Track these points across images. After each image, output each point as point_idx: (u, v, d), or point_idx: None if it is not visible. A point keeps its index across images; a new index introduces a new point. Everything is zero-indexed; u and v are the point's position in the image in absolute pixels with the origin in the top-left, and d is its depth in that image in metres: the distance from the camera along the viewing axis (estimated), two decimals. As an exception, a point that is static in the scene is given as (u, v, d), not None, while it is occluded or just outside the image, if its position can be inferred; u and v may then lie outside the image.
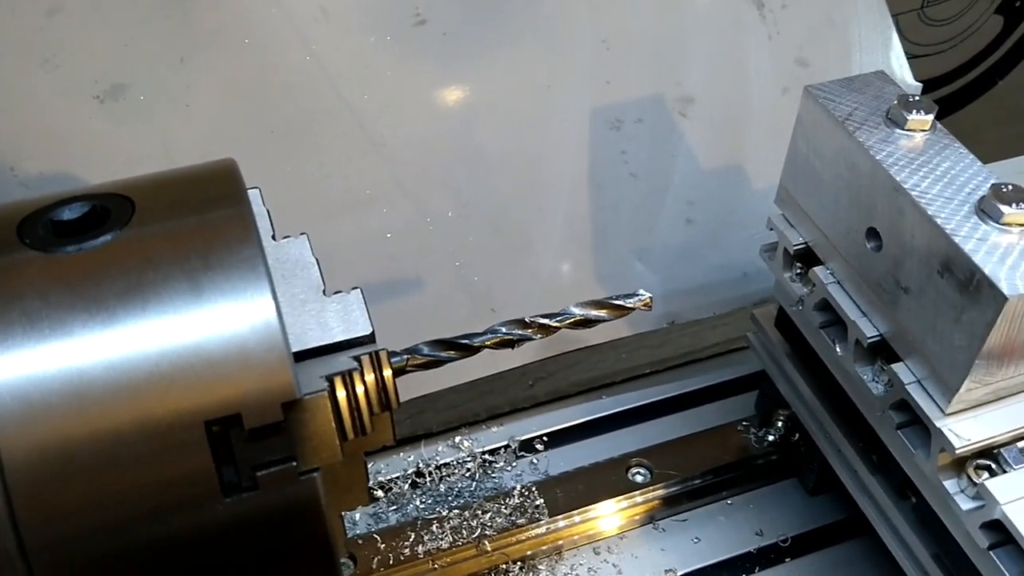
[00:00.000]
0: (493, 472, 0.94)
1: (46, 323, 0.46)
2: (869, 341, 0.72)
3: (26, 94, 0.85)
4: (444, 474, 0.94)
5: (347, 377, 0.52)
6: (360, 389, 0.52)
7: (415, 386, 0.86)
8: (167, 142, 0.88)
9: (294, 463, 0.47)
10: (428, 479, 0.93)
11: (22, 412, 0.44)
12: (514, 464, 0.95)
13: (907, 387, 0.69)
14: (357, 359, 0.55)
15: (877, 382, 0.73)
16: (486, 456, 0.95)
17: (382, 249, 0.92)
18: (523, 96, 0.96)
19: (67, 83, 0.86)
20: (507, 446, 0.96)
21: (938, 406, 0.67)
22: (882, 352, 0.73)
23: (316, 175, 0.90)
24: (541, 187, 0.96)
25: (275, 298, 0.48)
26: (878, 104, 0.73)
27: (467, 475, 0.94)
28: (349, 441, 0.51)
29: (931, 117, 0.70)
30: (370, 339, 0.58)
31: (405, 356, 0.61)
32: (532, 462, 0.95)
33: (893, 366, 0.70)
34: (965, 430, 0.66)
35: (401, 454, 0.96)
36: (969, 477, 0.67)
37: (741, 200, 0.98)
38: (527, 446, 0.97)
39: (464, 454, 0.96)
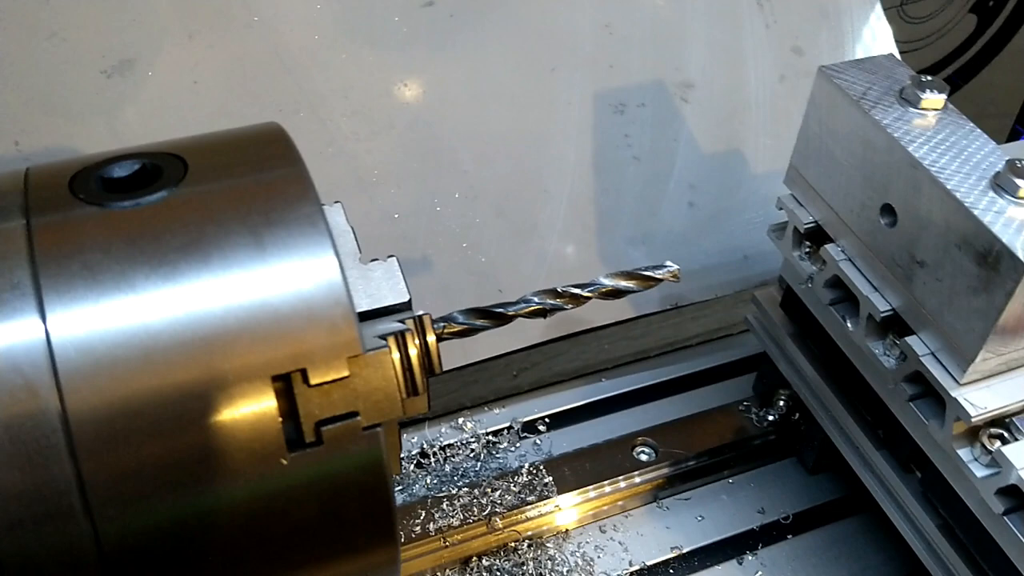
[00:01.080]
0: (497, 453, 0.94)
1: (108, 276, 0.45)
2: (882, 315, 0.74)
3: (33, 67, 0.84)
4: (449, 455, 0.94)
5: (400, 337, 0.52)
6: (413, 351, 0.52)
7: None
8: (173, 118, 0.87)
9: (358, 418, 0.47)
10: (433, 460, 0.93)
11: (88, 367, 0.44)
12: (517, 445, 0.95)
13: (921, 359, 0.70)
14: (403, 322, 0.55)
15: (889, 356, 0.75)
16: (490, 437, 0.95)
17: (390, 229, 0.92)
18: (528, 79, 0.96)
19: (74, 57, 0.85)
20: (510, 427, 0.97)
21: (952, 377, 0.69)
22: (894, 326, 0.75)
23: (324, 154, 0.89)
24: (546, 169, 0.96)
25: (337, 255, 0.48)
26: (891, 84, 0.75)
27: (472, 456, 0.94)
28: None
29: (944, 96, 0.72)
30: (407, 306, 0.58)
31: (442, 324, 0.61)
32: (535, 443, 0.96)
33: (907, 339, 0.72)
34: (980, 399, 0.68)
35: (405, 435, 0.96)
36: (983, 445, 0.69)
37: (741, 184, 1.00)
38: (530, 427, 0.97)
39: (467, 435, 0.96)
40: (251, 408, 0.46)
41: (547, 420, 0.98)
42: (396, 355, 0.52)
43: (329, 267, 0.48)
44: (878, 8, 1.07)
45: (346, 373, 0.47)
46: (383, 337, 0.51)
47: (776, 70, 1.02)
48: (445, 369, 0.96)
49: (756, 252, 0.96)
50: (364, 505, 0.49)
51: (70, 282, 0.45)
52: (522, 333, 0.96)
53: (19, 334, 0.44)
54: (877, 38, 1.06)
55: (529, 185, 0.96)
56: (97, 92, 0.85)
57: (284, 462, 0.46)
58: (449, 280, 0.92)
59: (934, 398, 0.72)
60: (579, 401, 1.00)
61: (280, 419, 0.46)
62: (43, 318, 0.44)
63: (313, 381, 0.46)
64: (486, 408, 0.99)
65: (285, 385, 0.47)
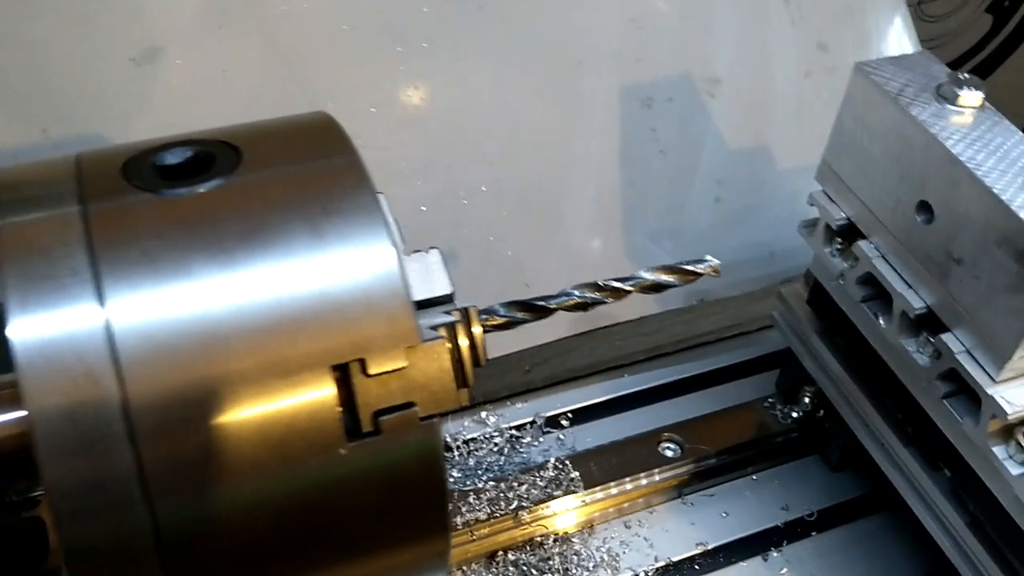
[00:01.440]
0: (521, 447, 0.94)
1: (167, 263, 0.45)
2: (916, 313, 0.74)
3: (62, 54, 0.83)
4: (472, 448, 0.94)
5: (451, 329, 0.51)
6: (464, 342, 0.52)
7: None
8: (202, 107, 0.86)
9: (415, 408, 0.47)
10: (457, 453, 0.93)
11: (149, 354, 0.43)
12: (541, 440, 0.95)
13: (957, 356, 0.70)
14: (450, 313, 0.54)
15: (922, 353, 0.75)
16: (513, 432, 0.95)
17: (416, 222, 0.91)
18: (555, 73, 0.96)
19: (104, 44, 0.84)
20: (533, 422, 0.96)
21: (988, 374, 0.69)
22: (928, 324, 0.74)
23: (352, 146, 0.89)
24: (572, 163, 0.96)
25: (395, 244, 0.47)
26: (927, 81, 0.75)
27: (495, 450, 0.94)
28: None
29: (981, 94, 0.72)
30: (450, 298, 0.58)
31: (484, 316, 0.61)
32: (559, 438, 0.96)
33: (942, 336, 0.72)
34: (1016, 397, 0.68)
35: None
36: (1018, 443, 0.69)
37: (767, 180, 1.00)
38: (553, 422, 0.97)
39: (490, 429, 0.95)
40: (311, 397, 0.45)
41: (570, 415, 0.97)
42: (449, 345, 0.51)
43: (387, 257, 0.47)
44: (903, 5, 1.07)
45: (405, 364, 0.46)
46: (435, 328, 0.51)
47: (802, 66, 1.02)
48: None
49: (781, 248, 0.96)
50: (419, 495, 0.48)
51: (129, 269, 0.44)
52: (548, 327, 0.96)
53: (80, 322, 0.43)
54: (901, 35, 1.06)
55: (555, 178, 0.96)
56: (126, 80, 0.84)
57: (343, 452, 0.46)
58: (475, 273, 0.92)
59: (968, 396, 0.72)
60: (602, 396, 0.99)
61: (340, 409, 0.46)
62: (103, 305, 0.44)
63: (372, 371, 0.46)
64: (508, 402, 0.98)
65: (343, 375, 0.46)
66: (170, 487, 0.44)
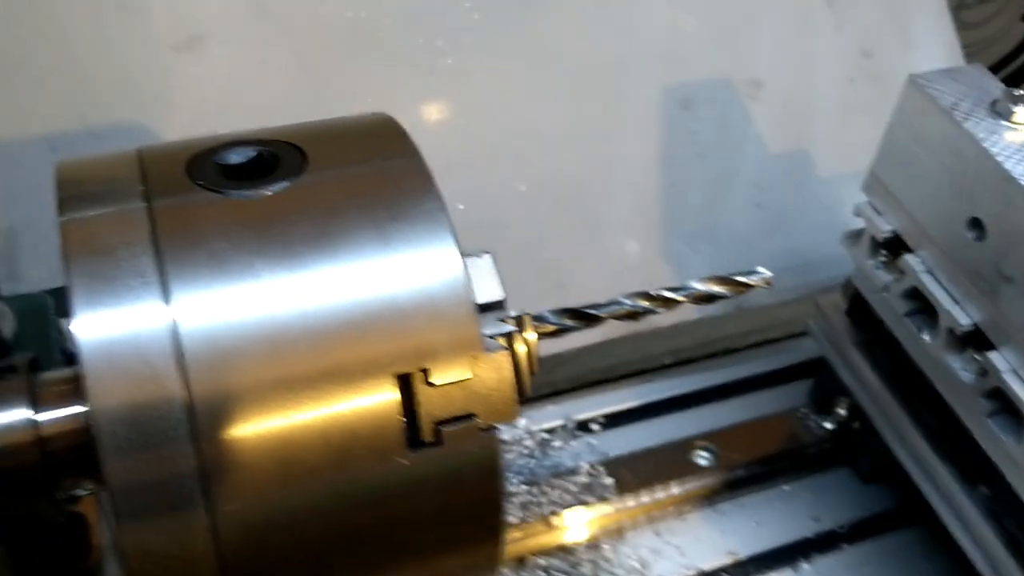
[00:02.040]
0: (551, 450, 0.94)
1: (234, 266, 0.44)
2: (963, 330, 0.73)
3: (101, 41, 0.83)
4: (503, 450, 0.93)
5: (510, 338, 0.51)
6: (522, 350, 0.52)
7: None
8: (241, 97, 0.86)
9: (476, 419, 0.46)
10: (487, 454, 0.92)
11: (214, 358, 0.43)
12: (572, 443, 0.95)
13: (1003, 375, 0.70)
14: (504, 321, 0.54)
15: (967, 370, 0.74)
16: (544, 434, 0.95)
17: (455, 220, 0.91)
18: (595, 73, 0.95)
19: (143, 32, 0.84)
20: (564, 425, 0.96)
21: (1035, 395, 0.68)
22: (973, 341, 0.74)
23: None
24: (611, 164, 0.96)
25: (460, 251, 0.47)
26: (981, 96, 0.74)
27: (526, 452, 0.93)
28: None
29: (1037, 112, 0.71)
30: (502, 305, 0.58)
31: (535, 323, 0.60)
32: (589, 442, 0.95)
33: (988, 354, 0.71)
34: (1062, 418, 0.67)
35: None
36: (1062, 464, 0.68)
37: (807, 187, 0.99)
38: (583, 426, 0.96)
39: (520, 431, 0.95)
40: (374, 405, 0.45)
41: (601, 419, 0.97)
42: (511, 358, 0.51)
43: (453, 263, 0.47)
44: (946, 14, 1.06)
45: (469, 375, 0.46)
46: (494, 337, 0.50)
47: (844, 72, 1.02)
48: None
49: (819, 257, 0.96)
50: (476, 505, 0.48)
51: (196, 271, 0.44)
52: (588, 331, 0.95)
53: (146, 323, 0.43)
54: (945, 43, 1.05)
55: (594, 180, 0.95)
56: (165, 67, 0.84)
57: (405, 462, 0.45)
58: (513, 273, 0.91)
59: (1013, 414, 0.71)
60: (634, 401, 0.99)
61: (403, 418, 0.45)
62: (169, 306, 0.43)
63: (435, 380, 0.45)
64: (538, 404, 0.98)
65: (406, 383, 0.46)
66: (230, 490, 0.43)
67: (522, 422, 0.96)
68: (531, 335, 0.56)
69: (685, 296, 0.64)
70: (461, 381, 0.46)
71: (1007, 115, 0.71)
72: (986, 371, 0.72)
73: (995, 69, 1.53)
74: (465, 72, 0.92)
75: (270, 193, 0.47)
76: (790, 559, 0.88)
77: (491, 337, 0.50)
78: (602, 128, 0.96)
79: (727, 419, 0.97)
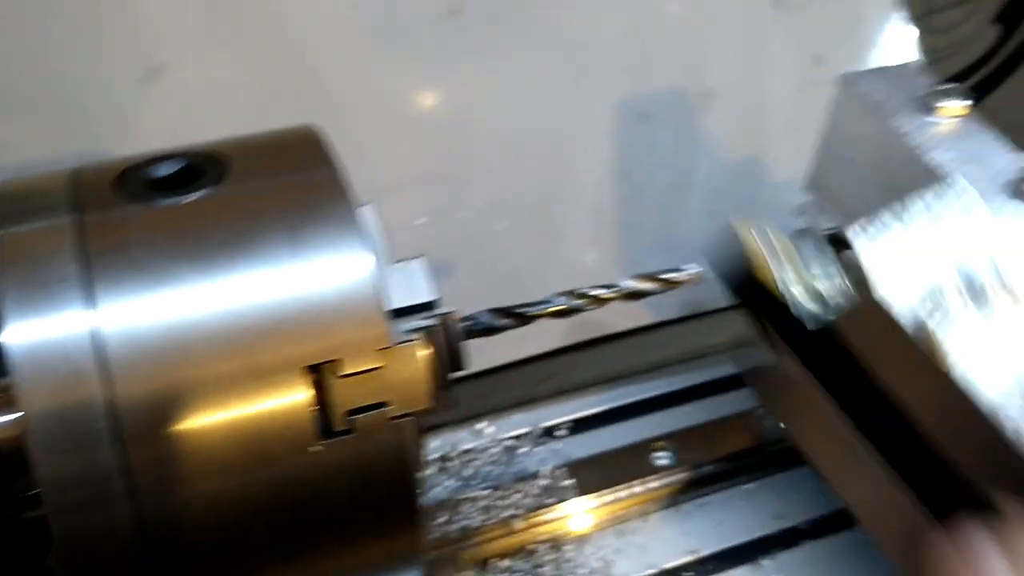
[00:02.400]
0: (517, 457, 0.96)
1: (153, 270, 0.47)
2: (901, 322, 0.75)
3: (65, 72, 0.86)
4: (469, 459, 0.95)
5: (428, 333, 0.54)
6: (440, 346, 0.54)
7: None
8: (204, 122, 0.89)
9: (387, 408, 0.49)
10: (454, 463, 0.94)
11: (134, 357, 0.46)
12: (537, 450, 0.97)
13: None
14: (431, 319, 0.56)
15: (908, 363, 0.76)
16: (509, 442, 0.97)
17: (414, 233, 0.94)
18: (553, 86, 0.98)
19: (106, 62, 0.87)
20: (530, 432, 0.98)
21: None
22: (912, 334, 0.75)
23: (350, 159, 0.91)
24: (570, 176, 0.98)
25: (371, 250, 0.50)
26: (910, 92, 0.76)
27: (492, 460, 0.95)
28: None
29: (966, 104, 0.73)
30: (435, 305, 0.60)
31: (467, 322, 0.63)
32: (554, 448, 0.97)
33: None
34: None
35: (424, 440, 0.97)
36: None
37: (761, 193, 1.01)
38: (549, 432, 0.98)
39: (487, 440, 0.97)
40: (286, 398, 0.48)
41: (567, 425, 0.99)
42: (425, 350, 0.53)
43: (363, 263, 0.50)
44: (900, 18, 1.08)
45: (377, 364, 0.49)
46: (412, 332, 0.53)
47: (797, 78, 1.04)
48: (465, 373, 0.99)
49: (776, 260, 0.97)
50: (392, 492, 0.50)
51: (118, 275, 0.47)
52: (543, 338, 0.98)
53: (70, 325, 0.46)
54: (899, 48, 1.08)
55: (553, 191, 0.98)
56: (128, 97, 0.87)
57: (316, 449, 0.48)
58: (472, 285, 0.94)
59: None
60: (598, 407, 1.01)
61: (313, 408, 0.48)
62: (93, 311, 0.46)
63: (345, 371, 0.48)
64: (506, 413, 1.00)
65: (319, 376, 0.48)
66: (151, 484, 0.46)
67: (490, 430, 0.98)
68: (456, 332, 0.58)
69: (616, 293, 0.67)
70: (371, 371, 0.49)
71: (932, 110, 0.74)
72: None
73: (967, 73, 1.55)
74: (426, 88, 0.95)
75: (191, 201, 0.50)
76: (751, 556, 0.90)
77: (410, 331, 0.53)
78: (560, 140, 0.98)
79: (691, 421, 0.99)
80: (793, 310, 0.64)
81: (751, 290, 0.67)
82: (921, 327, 0.62)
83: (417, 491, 0.51)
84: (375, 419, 0.49)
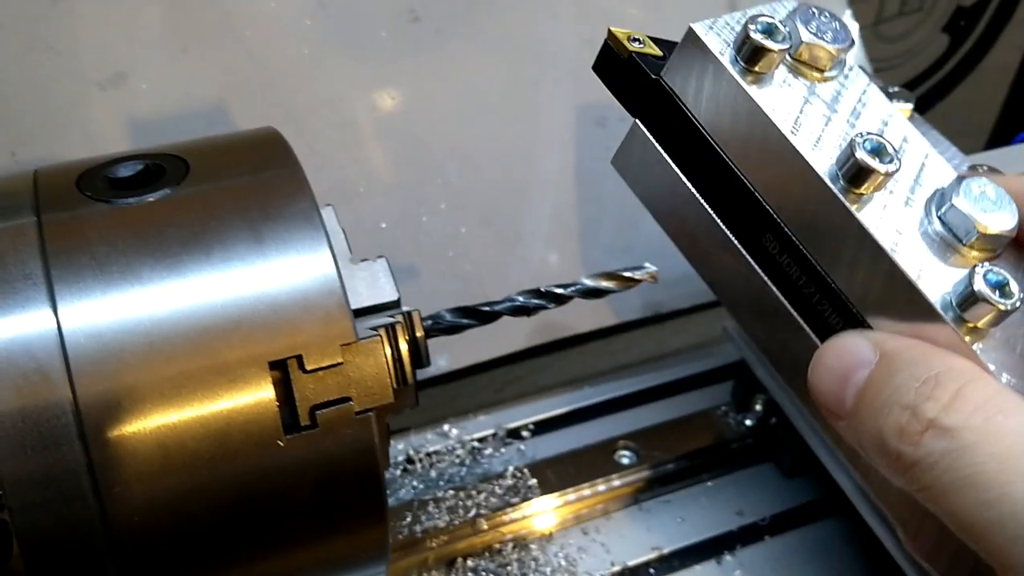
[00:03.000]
0: (482, 458, 0.97)
1: (115, 268, 0.48)
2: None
3: (29, 80, 0.86)
4: (434, 460, 0.96)
5: (391, 330, 0.54)
6: (403, 343, 0.55)
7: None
8: (165, 129, 0.89)
9: (351, 403, 0.50)
10: (419, 465, 0.95)
11: (97, 353, 0.46)
12: (502, 451, 0.97)
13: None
14: (393, 316, 0.57)
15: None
16: (475, 443, 0.98)
17: (377, 239, 0.95)
18: (511, 93, 0.99)
19: (69, 70, 0.87)
20: (495, 434, 0.99)
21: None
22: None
23: (312, 165, 0.91)
24: (530, 180, 0.99)
25: (331, 248, 0.50)
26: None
27: (457, 461, 0.96)
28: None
29: (909, 107, 0.76)
30: (396, 304, 0.61)
31: (430, 320, 0.64)
32: (519, 448, 0.98)
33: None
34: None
35: (391, 442, 0.98)
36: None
37: (719, 196, 1.03)
38: (514, 433, 0.99)
39: (453, 442, 0.98)
40: (250, 393, 0.48)
41: (531, 426, 1.00)
42: (388, 347, 0.54)
43: (324, 260, 0.50)
44: (853, 27, 1.11)
45: (340, 360, 0.49)
46: (375, 329, 0.54)
47: (751, 86, 1.06)
48: (430, 376, 0.99)
49: (733, 261, 0.99)
50: (356, 486, 0.51)
51: (79, 274, 0.47)
52: (507, 340, 0.99)
53: (32, 323, 0.46)
54: (854, 57, 1.10)
55: (514, 195, 0.99)
56: (92, 104, 0.87)
57: (281, 444, 0.48)
58: (436, 287, 0.95)
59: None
60: (563, 408, 1.02)
61: (277, 403, 0.49)
62: (54, 308, 0.47)
63: (308, 367, 0.49)
64: (471, 415, 1.01)
65: (282, 372, 0.49)
66: (117, 479, 0.46)
67: (454, 432, 0.99)
68: (419, 330, 0.59)
69: (574, 292, 0.68)
70: (334, 367, 0.49)
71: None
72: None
73: (917, 82, 1.59)
74: (385, 96, 0.96)
75: (152, 200, 0.51)
76: (714, 552, 0.91)
77: (372, 328, 0.54)
78: (520, 145, 1.00)
79: (653, 420, 1.00)
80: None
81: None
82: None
83: (382, 485, 0.52)
84: (339, 414, 0.50)
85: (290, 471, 0.50)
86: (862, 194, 0.49)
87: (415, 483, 0.93)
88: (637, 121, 0.60)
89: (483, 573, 0.87)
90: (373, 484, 0.51)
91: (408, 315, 0.59)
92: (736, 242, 0.57)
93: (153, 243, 0.49)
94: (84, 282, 0.48)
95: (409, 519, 0.88)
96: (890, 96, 0.76)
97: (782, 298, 0.55)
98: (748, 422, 0.98)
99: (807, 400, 0.53)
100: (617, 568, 0.89)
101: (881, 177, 0.49)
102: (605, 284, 0.68)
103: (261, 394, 0.48)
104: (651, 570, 0.89)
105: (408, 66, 0.97)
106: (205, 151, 0.56)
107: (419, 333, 0.59)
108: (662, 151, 0.58)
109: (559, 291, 0.67)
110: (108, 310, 0.47)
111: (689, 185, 0.58)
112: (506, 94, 1.01)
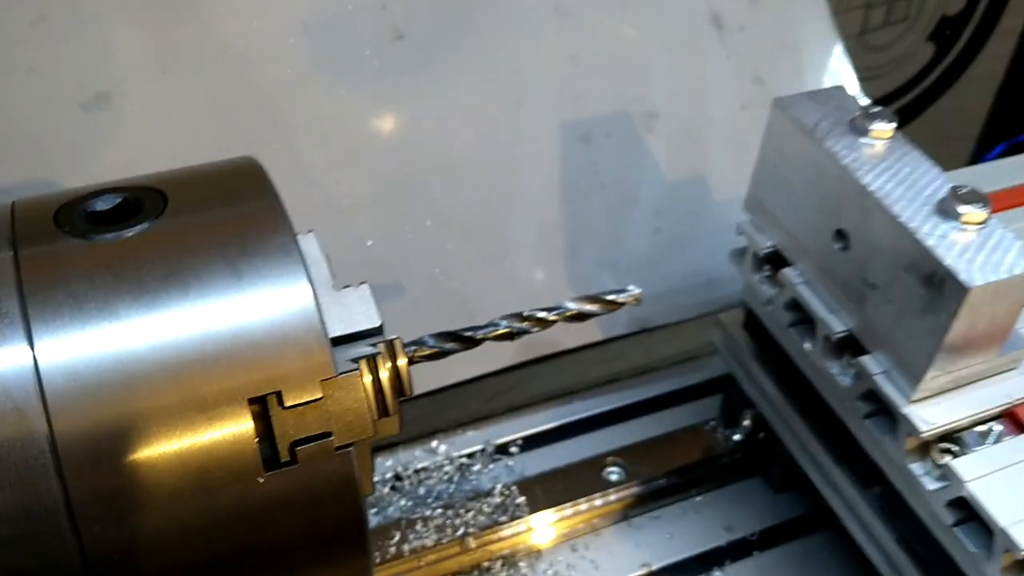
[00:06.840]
0: (470, 475, 0.97)
1: (92, 305, 0.48)
2: (837, 336, 0.77)
3: (10, 102, 0.86)
4: (423, 478, 0.96)
5: (371, 361, 0.54)
6: (384, 374, 0.55)
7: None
8: (149, 150, 0.89)
9: (331, 438, 0.50)
10: (407, 483, 0.95)
11: (74, 391, 0.46)
12: (490, 467, 0.98)
13: (874, 377, 0.73)
14: (375, 346, 0.57)
15: (845, 375, 0.78)
16: (463, 460, 0.98)
17: (362, 257, 0.95)
18: (496, 110, 0.99)
19: (50, 91, 0.87)
20: (483, 450, 0.99)
21: (903, 394, 0.72)
22: (849, 347, 0.78)
23: (297, 184, 0.92)
24: (515, 197, 1.00)
25: (311, 282, 0.50)
26: (842, 115, 0.78)
27: (445, 478, 0.96)
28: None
29: (892, 126, 0.76)
30: (379, 331, 0.61)
31: (413, 347, 0.64)
32: (507, 465, 0.98)
33: (860, 359, 0.75)
34: (930, 415, 0.71)
35: (379, 459, 0.98)
36: (933, 460, 0.72)
37: (705, 211, 1.03)
38: (502, 449, 0.99)
39: (441, 458, 0.98)
40: (229, 429, 0.48)
41: (520, 442, 1.00)
42: (368, 378, 0.54)
43: (303, 295, 0.50)
44: (836, 38, 1.11)
45: (319, 395, 0.49)
46: (355, 360, 0.53)
47: (738, 100, 1.06)
48: (421, 392, 0.99)
49: (719, 276, 1.00)
50: (338, 521, 0.51)
51: (56, 311, 0.47)
52: (496, 356, 0.99)
53: (8, 360, 0.46)
54: (836, 68, 1.10)
55: (499, 212, 0.99)
56: (74, 125, 0.87)
57: (260, 480, 0.48)
58: (421, 305, 0.95)
59: (887, 415, 0.75)
60: (551, 423, 1.02)
61: (256, 440, 0.48)
62: (31, 345, 0.47)
63: (288, 403, 0.49)
64: (459, 431, 1.01)
65: (261, 407, 0.49)
66: (95, 516, 0.46)
67: (443, 448, 0.99)
68: (401, 359, 0.59)
69: (558, 315, 0.68)
70: (313, 402, 0.49)
71: (865, 131, 0.76)
72: (860, 375, 0.75)
73: (903, 90, 1.59)
74: (369, 115, 0.96)
75: (129, 236, 0.50)
76: (704, 567, 0.91)
77: (354, 360, 0.54)
78: (505, 162, 1.00)
79: (641, 435, 1.00)
80: None
81: None
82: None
83: (364, 518, 0.51)
84: (319, 450, 0.50)
85: (270, 507, 0.49)
86: None
87: (403, 501, 0.93)
88: None
89: (472, 592, 0.87)
90: (355, 520, 0.51)
91: (390, 343, 0.58)
92: None
93: (131, 279, 0.49)
94: (61, 319, 0.47)
95: (397, 538, 0.88)
96: (872, 117, 0.76)
97: None
98: (736, 437, 0.98)
99: None
100: (606, 585, 0.89)
101: None
102: (589, 307, 0.68)
103: (240, 430, 0.48)
104: (640, 586, 0.89)
105: (392, 84, 0.97)
106: (184, 183, 0.55)
107: (401, 362, 0.58)
108: None
109: (543, 315, 0.67)
110: (85, 347, 0.47)
111: None
112: (491, 110, 1.01)
